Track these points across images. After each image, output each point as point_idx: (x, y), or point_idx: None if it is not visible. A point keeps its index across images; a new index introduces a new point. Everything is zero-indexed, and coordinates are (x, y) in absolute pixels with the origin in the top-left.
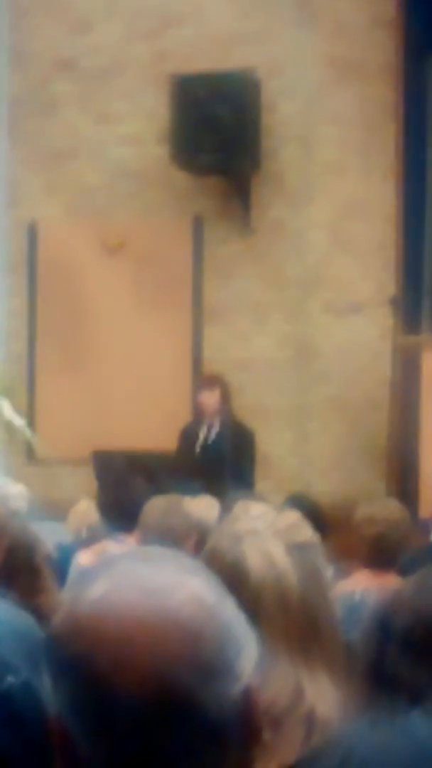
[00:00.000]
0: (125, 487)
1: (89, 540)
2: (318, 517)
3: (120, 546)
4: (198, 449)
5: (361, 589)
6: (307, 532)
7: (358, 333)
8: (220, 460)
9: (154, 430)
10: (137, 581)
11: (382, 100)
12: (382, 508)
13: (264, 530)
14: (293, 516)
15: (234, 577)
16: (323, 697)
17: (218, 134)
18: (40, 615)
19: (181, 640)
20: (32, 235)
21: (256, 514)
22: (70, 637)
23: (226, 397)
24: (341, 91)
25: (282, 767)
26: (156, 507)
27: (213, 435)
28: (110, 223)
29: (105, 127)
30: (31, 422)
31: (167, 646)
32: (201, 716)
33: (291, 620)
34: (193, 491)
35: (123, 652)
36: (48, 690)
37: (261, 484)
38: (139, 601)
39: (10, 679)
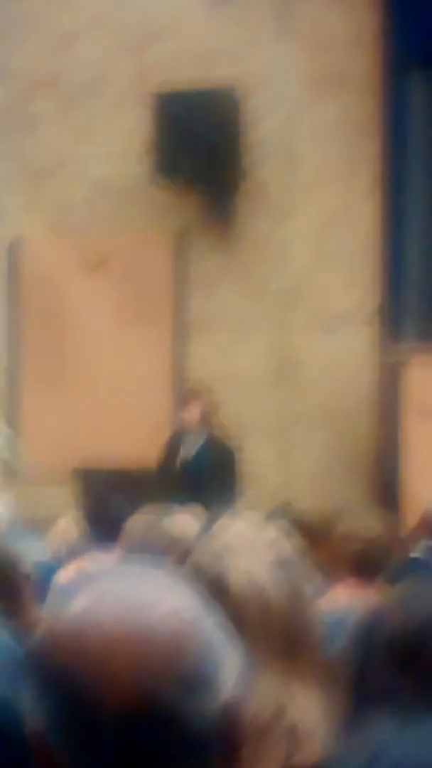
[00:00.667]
0: (107, 504)
1: (68, 557)
2: (301, 529)
3: (99, 563)
4: (180, 464)
5: (344, 603)
6: (289, 548)
7: (342, 346)
8: (201, 476)
9: (137, 444)
10: (118, 596)
11: (364, 115)
12: (364, 523)
13: (246, 546)
14: (275, 531)
15: (216, 593)
16: (305, 711)
17: (199, 151)
18: (22, 632)
19: (162, 655)
20: (14, 252)
21: (237, 530)
22: (52, 652)
23: (209, 411)
24: (322, 105)
25: None
26: (137, 523)
27: (195, 450)
28: (92, 239)
29: (86, 144)
30: (14, 438)
31: (148, 661)
32: (182, 730)
33: (273, 634)
34: (176, 507)
35: (104, 666)
36: (28, 706)
37: (244, 498)
38: (120, 616)
39: None
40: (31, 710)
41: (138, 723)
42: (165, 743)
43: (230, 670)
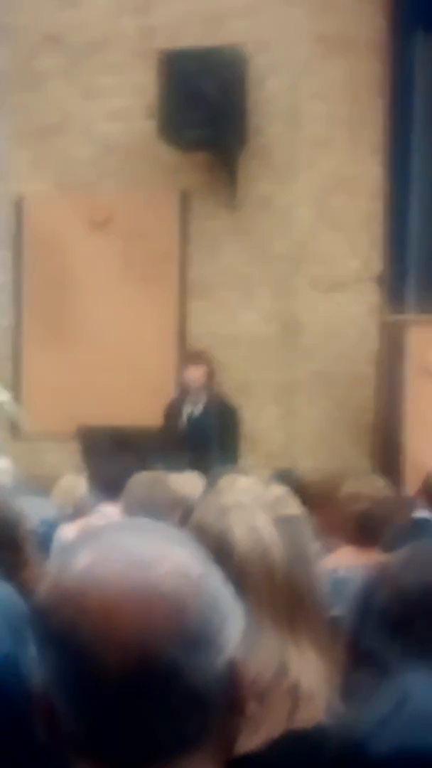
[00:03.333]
0: (110, 463)
1: (74, 515)
2: (303, 492)
3: (105, 519)
4: (183, 425)
5: (344, 566)
6: (293, 506)
7: (345, 309)
8: (205, 435)
9: (139, 405)
10: (122, 552)
11: (370, 76)
12: (367, 485)
13: (250, 503)
14: (279, 489)
15: (220, 550)
16: (308, 670)
17: (205, 109)
18: (24, 589)
19: (166, 611)
20: (19, 209)
21: (242, 488)
22: (55, 607)
23: (211, 373)
24: (329, 66)
25: (267, 739)
26: (141, 482)
27: (198, 410)
28: (97, 197)
29: (92, 101)
30: (17, 397)
31: (151, 617)
32: (184, 687)
33: (276, 593)
34: (178, 466)
35: (107, 622)
36: (31, 662)
37: (246, 460)
38: (124, 572)
39: None
40: (34, 666)
41: (140, 680)
42: (167, 701)
43: (234, 628)
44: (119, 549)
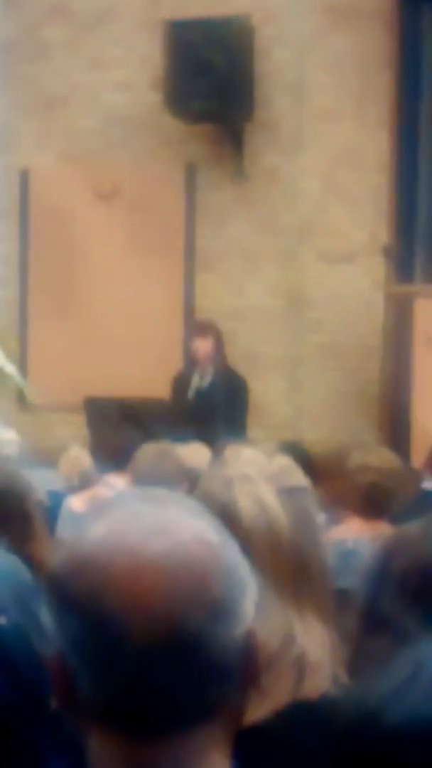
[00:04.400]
0: (117, 434)
1: (80, 486)
2: (310, 464)
3: (111, 491)
4: (190, 396)
5: (352, 537)
6: (298, 477)
7: (351, 281)
8: (213, 407)
9: (146, 377)
10: (141, 520)
11: (377, 48)
12: (375, 457)
13: (255, 474)
14: (285, 460)
15: (225, 521)
16: (314, 641)
17: (212, 81)
18: (32, 561)
19: (191, 580)
20: (24, 181)
21: (247, 459)
22: (76, 575)
23: (219, 344)
24: (336, 38)
25: (273, 710)
26: (147, 453)
27: (206, 382)
28: (102, 169)
29: (98, 72)
30: (23, 369)
31: (177, 586)
32: (207, 656)
33: (282, 564)
34: (185, 438)
35: (132, 590)
36: (40, 631)
37: (253, 432)
38: (145, 539)
39: (2, 620)
40: (48, 634)
41: (165, 648)
42: (190, 670)
43: (251, 598)
44: (136, 517)
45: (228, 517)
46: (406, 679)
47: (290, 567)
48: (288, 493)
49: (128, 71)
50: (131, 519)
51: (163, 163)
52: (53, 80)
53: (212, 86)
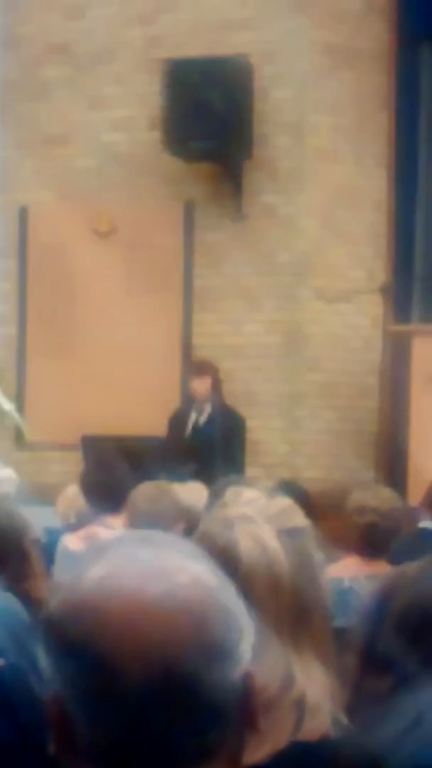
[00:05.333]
0: (113, 472)
1: (77, 524)
2: (307, 503)
3: (108, 531)
4: (188, 434)
5: (350, 576)
6: (298, 517)
7: (349, 320)
8: (210, 445)
9: (144, 415)
10: (138, 564)
11: (375, 88)
12: (374, 497)
13: (255, 515)
14: (285, 501)
15: (225, 562)
16: (313, 682)
17: (210, 120)
18: (29, 599)
19: (187, 623)
20: (23, 219)
21: (247, 499)
22: (73, 618)
23: (216, 383)
24: (334, 78)
25: (273, 752)
26: (145, 492)
27: (203, 419)
28: (101, 207)
29: (97, 111)
30: (21, 406)
31: (173, 629)
32: (204, 699)
33: (282, 605)
34: (183, 477)
35: (129, 634)
36: (38, 672)
37: (250, 471)
38: (143, 583)
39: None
40: (47, 677)
41: (162, 692)
42: (188, 713)
43: (248, 641)
44: (134, 560)
45: (228, 557)
46: (408, 727)
47: (290, 608)
48: (288, 534)
49: (127, 110)
50: (128, 562)
51: (162, 201)
52: (52, 119)
53: (211, 125)
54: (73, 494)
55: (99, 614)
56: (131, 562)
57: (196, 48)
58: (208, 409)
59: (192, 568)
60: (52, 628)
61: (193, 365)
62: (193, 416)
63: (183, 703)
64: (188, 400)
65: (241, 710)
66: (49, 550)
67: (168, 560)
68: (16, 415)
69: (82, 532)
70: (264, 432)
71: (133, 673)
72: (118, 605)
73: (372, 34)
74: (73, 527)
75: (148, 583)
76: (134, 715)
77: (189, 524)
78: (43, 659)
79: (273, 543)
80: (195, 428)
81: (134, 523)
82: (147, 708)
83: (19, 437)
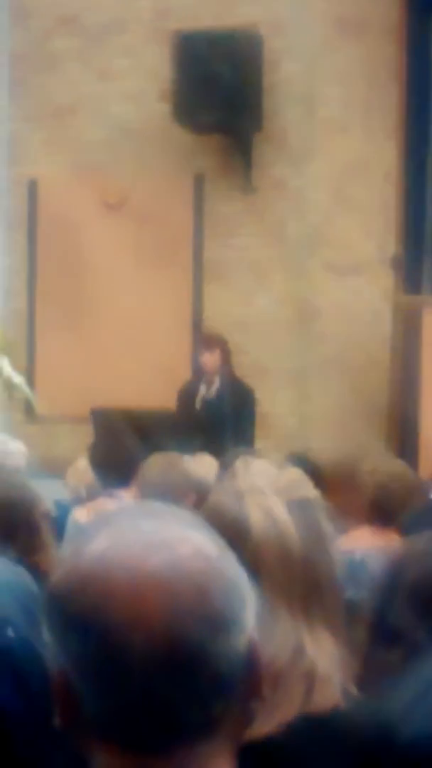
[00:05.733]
0: (123, 445)
1: (87, 497)
2: (317, 475)
3: (117, 503)
4: (198, 407)
5: (361, 549)
6: (308, 489)
7: (359, 293)
8: (220, 418)
9: (154, 388)
10: (140, 535)
11: (385, 60)
12: (385, 465)
13: (265, 487)
14: (295, 472)
15: (235, 534)
16: (324, 654)
17: (220, 92)
18: (39, 571)
19: (191, 594)
20: (32, 192)
21: (257, 471)
22: (76, 591)
23: (226, 356)
24: (344, 49)
25: (282, 723)
26: (155, 465)
27: (213, 393)
28: (111, 180)
29: (106, 83)
30: (31, 380)
31: (177, 600)
32: (210, 670)
33: (292, 577)
34: (192, 449)
35: (133, 606)
36: (47, 644)
37: (260, 444)
38: (146, 554)
39: (10, 632)
40: (52, 650)
41: (167, 663)
42: (193, 684)
43: (252, 610)
44: (137, 532)
45: (238, 529)
46: (418, 697)
47: (300, 580)
48: (298, 506)
49: (137, 83)
50: (130, 534)
51: (172, 174)
52: (62, 91)
53: (221, 98)
54: (83, 467)
55: (102, 587)
56: (133, 534)
57: (206, 20)
58: (217, 382)
59: (194, 539)
60: (54, 602)
61: (202, 338)
62: (202, 389)
63: (187, 673)
64: (198, 373)
65: (247, 680)
66: (59, 523)
67: (170, 531)
68: (26, 388)
69: (92, 505)
70: (274, 405)
71: (137, 644)
72: (120, 577)
73: (382, 5)
74: (82, 500)
75: (151, 555)
76: (138, 686)
77: (199, 496)
78: (47, 632)
79: (283, 514)
80: (204, 401)
81: (144, 495)
82: (151, 679)
83: (29, 410)
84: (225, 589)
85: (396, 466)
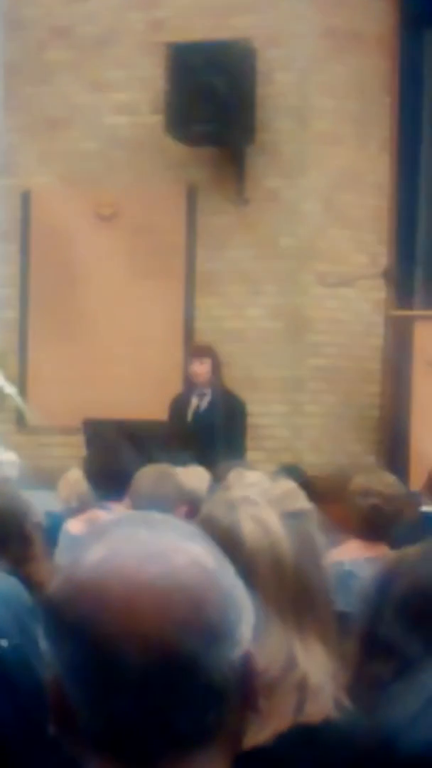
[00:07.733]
0: (115, 456)
1: (79, 508)
2: (308, 487)
3: (112, 513)
4: (189, 418)
5: (350, 560)
6: (301, 500)
7: (351, 305)
8: (211, 429)
9: (146, 399)
10: (137, 545)
11: (378, 72)
12: (377, 480)
13: (258, 498)
14: (287, 484)
15: (228, 545)
16: (315, 664)
17: (213, 104)
18: (30, 582)
19: (186, 604)
20: (26, 203)
21: (250, 482)
22: (71, 601)
23: (217, 367)
24: (337, 62)
25: (274, 734)
26: (147, 476)
27: (204, 405)
28: (103, 191)
29: (99, 95)
30: (23, 390)
31: (172, 610)
32: (204, 681)
33: (285, 588)
34: (184, 461)
35: (128, 615)
36: (40, 654)
37: (252, 455)
38: (141, 564)
39: (3, 642)
40: (47, 658)
41: (161, 673)
42: (187, 694)
43: (248, 622)
44: (133, 542)
45: (231, 540)
46: (420, 709)
47: (293, 590)
48: (291, 517)
49: (130, 94)
50: (126, 544)
51: (164, 185)
52: (55, 102)
53: (213, 109)
54: (74, 478)
55: (97, 596)
56: (129, 544)
57: (199, 32)
58: (209, 394)
59: (190, 550)
60: (50, 610)
61: (194, 349)
62: (194, 402)
63: (182, 684)
64: (190, 385)
65: (242, 691)
66: (51, 534)
67: (166, 541)
68: (18, 398)
69: (84, 516)
70: (265, 417)
71: (132, 654)
72: (116, 587)
73: (375, 17)
74: (74, 511)
75: (147, 565)
76: (133, 696)
77: (191, 507)
78: (43, 641)
79: (276, 525)
80: (196, 413)
81: (136, 506)
82: (146, 690)
83: (20, 421)
84: (221, 600)
85: (388, 482)
